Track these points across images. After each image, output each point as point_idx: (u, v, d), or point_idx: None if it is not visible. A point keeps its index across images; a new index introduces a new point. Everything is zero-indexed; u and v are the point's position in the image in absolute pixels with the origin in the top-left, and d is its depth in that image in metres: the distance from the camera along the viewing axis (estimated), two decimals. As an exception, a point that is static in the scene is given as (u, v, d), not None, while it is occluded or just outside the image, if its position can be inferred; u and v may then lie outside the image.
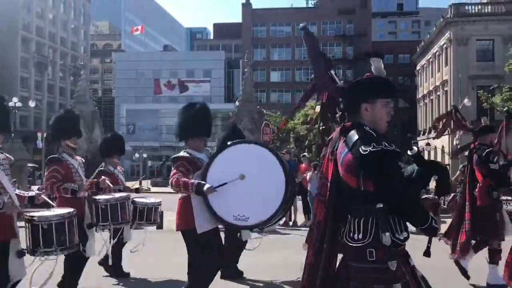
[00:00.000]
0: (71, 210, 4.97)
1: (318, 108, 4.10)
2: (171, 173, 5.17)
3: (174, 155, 5.43)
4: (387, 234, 2.73)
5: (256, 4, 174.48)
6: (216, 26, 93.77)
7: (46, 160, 6.14)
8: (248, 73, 18.86)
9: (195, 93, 73.94)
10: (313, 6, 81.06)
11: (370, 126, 2.91)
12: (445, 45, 44.45)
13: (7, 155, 4.90)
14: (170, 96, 75.03)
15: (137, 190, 7.80)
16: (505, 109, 30.71)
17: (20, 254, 4.62)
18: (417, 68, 58.11)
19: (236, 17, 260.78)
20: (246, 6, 73.95)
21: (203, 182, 4.89)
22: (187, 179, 4.95)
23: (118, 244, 6.88)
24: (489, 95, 34.59)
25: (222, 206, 4.93)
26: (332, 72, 3.74)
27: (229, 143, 5.22)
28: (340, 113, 3.52)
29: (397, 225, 2.80)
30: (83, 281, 6.22)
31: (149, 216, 7.17)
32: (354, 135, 2.85)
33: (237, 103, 21.89)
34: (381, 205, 2.73)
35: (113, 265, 7.05)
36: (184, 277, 5.72)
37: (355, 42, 70.46)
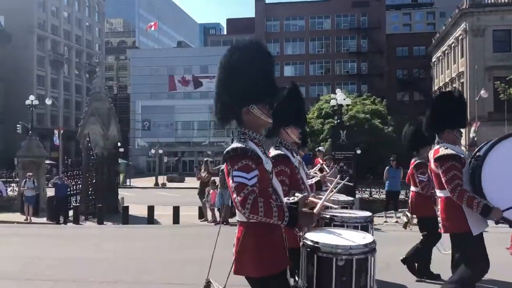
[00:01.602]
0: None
1: None
2: (444, 174, 4.54)
3: (440, 154, 4.65)
4: None
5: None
6: (229, 21, 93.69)
7: (275, 156, 5.32)
8: (261, 68, 18.87)
9: (210, 89, 74.05)
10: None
11: None
12: (461, 36, 43.94)
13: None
14: (184, 92, 75.32)
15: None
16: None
17: None
18: (433, 60, 57.52)
19: (249, 12, 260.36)
20: (259, 0, 73.83)
21: (489, 203, 4.31)
22: (471, 195, 4.35)
23: (428, 246, 6.49)
24: (506, 86, 34.15)
25: (507, 204, 4.35)
26: None
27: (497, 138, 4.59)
28: None
29: None
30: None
31: None
32: None
33: (251, 98, 21.98)
34: None
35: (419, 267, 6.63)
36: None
37: (369, 35, 69.95)
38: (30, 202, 18.15)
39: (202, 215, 15.80)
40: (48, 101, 45.72)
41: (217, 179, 14.94)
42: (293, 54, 72.95)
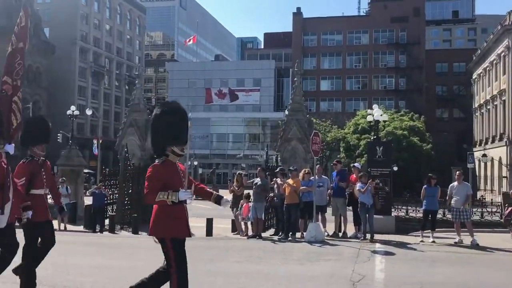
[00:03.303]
0: None
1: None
2: None
3: None
4: None
5: (306, 13, 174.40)
6: (267, 35, 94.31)
7: None
8: (297, 82, 18.79)
9: (245, 102, 74.56)
10: (365, 14, 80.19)
11: None
12: (503, 53, 42.89)
13: None
14: (220, 104, 75.96)
15: None
16: None
17: None
18: (473, 77, 56.31)
19: (286, 26, 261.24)
20: (297, 15, 74.10)
21: None
22: None
23: None
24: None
25: None
26: None
27: None
28: None
29: None
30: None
31: None
32: None
33: (286, 112, 21.91)
34: None
35: None
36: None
37: (408, 50, 69.13)
38: None
39: (235, 228, 15.77)
40: (88, 112, 46.83)
41: (250, 192, 14.89)
42: (330, 68, 72.71)
